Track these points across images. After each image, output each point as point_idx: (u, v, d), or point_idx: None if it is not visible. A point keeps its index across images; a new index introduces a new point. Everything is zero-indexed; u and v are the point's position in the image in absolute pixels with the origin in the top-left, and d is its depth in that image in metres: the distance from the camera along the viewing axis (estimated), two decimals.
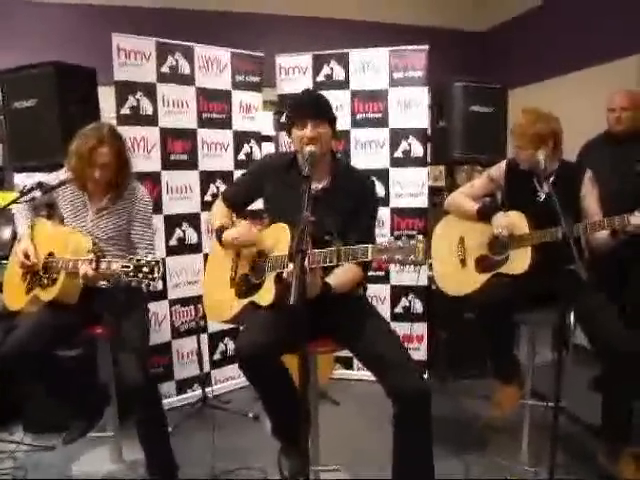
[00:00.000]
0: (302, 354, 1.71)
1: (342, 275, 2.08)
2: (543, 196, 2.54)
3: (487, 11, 6.31)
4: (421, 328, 3.85)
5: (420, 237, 1.75)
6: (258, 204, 2.43)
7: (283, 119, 3.91)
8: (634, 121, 3.39)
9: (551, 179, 2.53)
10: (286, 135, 3.72)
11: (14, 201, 2.52)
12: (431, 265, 2.90)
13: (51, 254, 2.46)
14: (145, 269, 2.04)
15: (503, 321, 2.57)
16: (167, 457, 2.48)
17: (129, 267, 2.05)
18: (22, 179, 3.57)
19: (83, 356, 3.02)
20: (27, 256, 2.46)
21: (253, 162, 3.71)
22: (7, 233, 3.61)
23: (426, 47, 3.72)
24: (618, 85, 3.67)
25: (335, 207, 2.13)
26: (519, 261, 2.51)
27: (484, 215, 2.68)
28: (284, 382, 2.07)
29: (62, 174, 2.53)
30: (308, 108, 2.16)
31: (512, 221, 2.56)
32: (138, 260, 2.05)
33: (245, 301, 2.19)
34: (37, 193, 2.50)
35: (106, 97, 3.41)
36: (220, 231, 2.31)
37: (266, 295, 2.10)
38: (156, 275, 2.04)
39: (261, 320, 2.07)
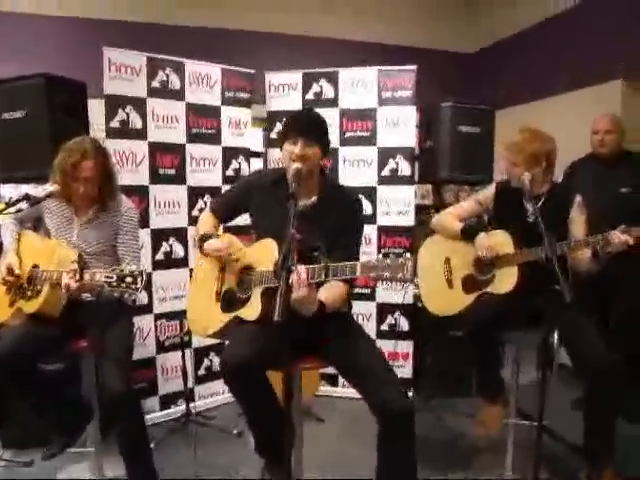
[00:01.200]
0: (286, 370, 1.71)
1: (331, 292, 2.08)
2: (532, 216, 2.55)
3: (475, 33, 6.42)
4: (407, 346, 3.86)
5: (408, 255, 1.77)
6: (246, 219, 2.43)
7: (273, 135, 3.94)
8: (617, 144, 3.46)
9: (541, 200, 2.57)
10: (277, 149, 3.79)
11: (0, 212, 2.51)
12: (417, 283, 2.91)
13: (36, 266, 2.44)
14: (128, 279, 2.04)
15: (489, 340, 2.58)
16: (148, 471, 2.45)
17: (112, 277, 2.05)
18: (9, 190, 3.56)
19: (66, 370, 2.99)
20: (11, 272, 2.44)
21: (242, 176, 3.73)
22: None
23: (415, 67, 3.76)
24: (602, 108, 3.75)
25: (322, 224, 2.14)
26: (505, 280, 2.53)
27: (468, 235, 2.70)
28: (268, 397, 2.06)
29: (49, 186, 2.50)
30: (303, 126, 2.17)
31: (497, 240, 2.58)
32: (121, 270, 2.05)
33: (230, 315, 2.18)
34: (24, 205, 2.49)
35: (96, 110, 3.41)
36: (203, 239, 2.31)
37: (251, 310, 2.10)
38: (139, 285, 2.04)
39: (247, 334, 2.06)
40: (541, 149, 2.58)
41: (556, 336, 2.52)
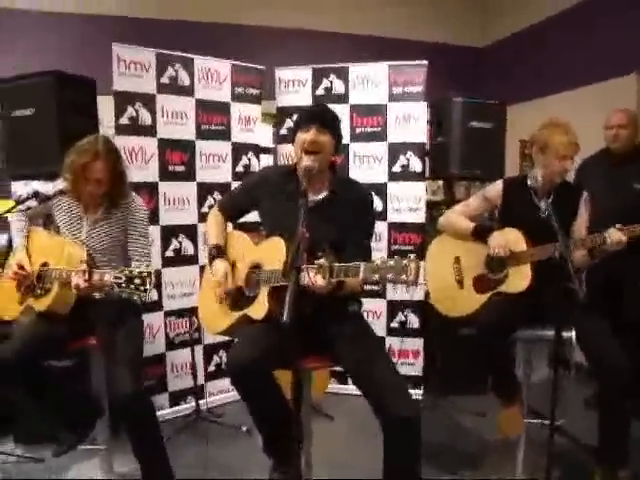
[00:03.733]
0: (295, 370, 1.70)
1: None
2: (547, 212, 2.49)
3: (487, 27, 6.36)
4: (417, 343, 3.84)
5: (413, 257, 1.73)
6: (256, 216, 2.42)
7: (283, 131, 3.93)
8: (631, 139, 3.40)
9: (551, 197, 2.53)
10: (286, 144, 3.77)
11: (10, 210, 2.51)
12: (426, 282, 2.88)
13: (45, 264, 2.45)
14: (137, 280, 2.03)
15: (503, 340, 2.54)
16: (164, 468, 2.44)
17: (121, 278, 2.04)
18: (19, 187, 3.56)
19: (76, 367, 2.99)
20: (22, 267, 2.45)
21: (252, 173, 3.72)
22: (2, 240, 3.60)
23: (425, 62, 3.73)
24: (617, 103, 3.69)
25: (332, 219, 2.12)
26: (518, 279, 2.50)
27: (480, 234, 2.66)
28: (275, 397, 2.05)
29: (59, 184, 2.51)
30: (316, 115, 2.18)
31: (509, 239, 2.55)
32: (130, 271, 2.05)
33: (238, 314, 2.18)
34: (33, 202, 2.49)
35: (105, 107, 3.41)
36: (214, 252, 2.32)
37: (259, 309, 2.09)
38: (148, 287, 2.03)
39: (254, 334, 2.06)
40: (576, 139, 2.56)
41: (573, 334, 2.48)
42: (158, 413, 3.07)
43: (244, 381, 1.99)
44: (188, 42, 3.98)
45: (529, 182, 2.58)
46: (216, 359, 3.75)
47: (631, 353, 2.32)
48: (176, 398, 3.58)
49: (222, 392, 3.76)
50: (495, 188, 2.77)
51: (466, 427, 3.36)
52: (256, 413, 2.13)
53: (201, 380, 3.62)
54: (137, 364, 2.44)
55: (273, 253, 2.09)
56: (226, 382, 3.71)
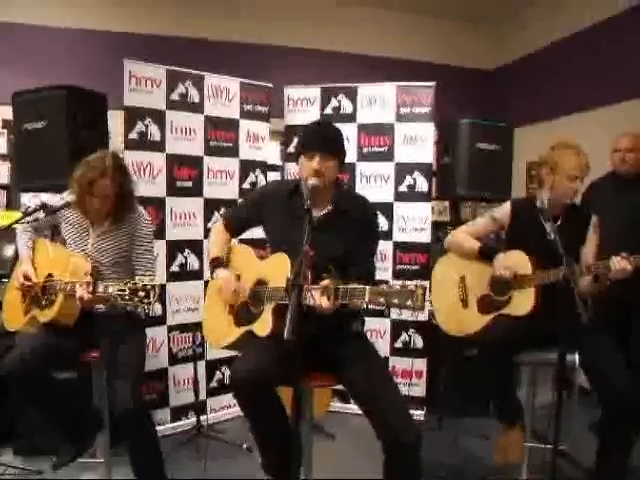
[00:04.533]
0: (296, 388, 1.69)
1: None
2: (553, 235, 2.49)
3: (495, 50, 6.40)
4: (421, 364, 3.81)
5: (420, 283, 1.73)
6: (261, 233, 2.42)
7: (290, 149, 3.95)
8: (638, 162, 3.41)
9: (559, 220, 2.53)
10: (294, 162, 3.78)
11: (17, 221, 2.53)
12: (431, 301, 2.87)
13: (50, 275, 2.46)
14: (141, 293, 2.04)
15: (505, 362, 2.53)
16: None
17: (125, 290, 2.05)
18: (28, 199, 3.60)
19: (77, 380, 2.99)
20: (27, 278, 2.47)
21: (256, 188, 3.74)
22: (10, 252, 3.63)
23: (433, 83, 3.76)
24: (624, 126, 3.69)
25: (336, 233, 2.13)
26: (522, 302, 2.49)
27: (486, 254, 2.65)
28: (276, 414, 2.04)
29: (66, 196, 2.53)
30: (319, 140, 2.16)
31: (514, 261, 2.54)
32: (134, 284, 2.05)
33: (243, 330, 2.18)
34: (40, 214, 2.52)
35: (115, 121, 3.45)
36: (214, 264, 2.33)
37: (263, 326, 2.09)
38: (151, 300, 2.04)
39: (258, 349, 2.06)
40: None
41: (576, 358, 2.46)
42: (159, 428, 3.07)
43: (246, 395, 1.99)
44: (199, 59, 4.02)
45: (538, 204, 2.58)
46: (218, 375, 3.73)
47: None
48: (177, 413, 3.56)
49: (223, 408, 3.74)
50: (504, 209, 2.77)
51: (469, 450, 3.32)
52: (256, 428, 2.12)
53: (203, 396, 3.60)
54: (138, 379, 2.45)
55: (278, 270, 2.09)
56: (228, 398, 3.70)
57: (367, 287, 1.81)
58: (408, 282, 1.73)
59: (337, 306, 1.90)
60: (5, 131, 4.70)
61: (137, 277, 2.16)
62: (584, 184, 3.49)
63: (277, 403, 2.05)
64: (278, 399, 2.05)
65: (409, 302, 1.70)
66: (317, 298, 1.86)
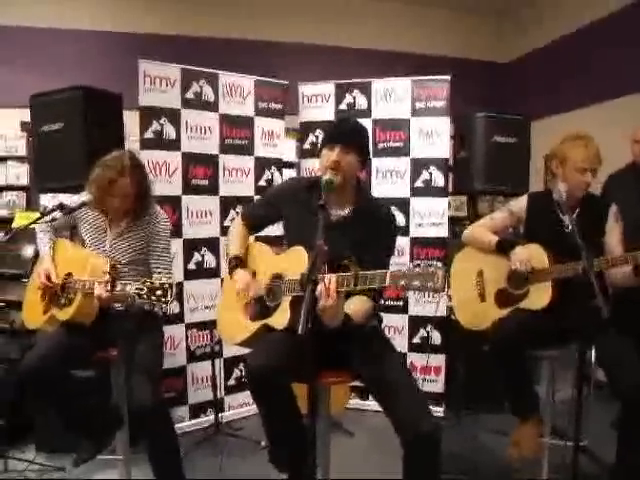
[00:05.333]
0: (311, 384, 1.69)
1: (358, 306, 2.04)
2: (570, 227, 2.44)
3: (510, 43, 6.34)
4: (439, 360, 3.79)
5: (439, 264, 1.72)
6: (276, 230, 2.42)
7: (306, 146, 3.95)
8: None
9: (576, 211, 2.49)
10: (309, 159, 3.79)
11: (35, 221, 2.57)
12: (450, 295, 2.85)
13: (69, 274, 2.48)
14: (158, 292, 2.05)
15: (519, 356, 2.50)
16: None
17: (142, 289, 2.06)
18: (47, 199, 3.64)
19: (96, 378, 3.03)
20: (49, 277, 2.49)
21: (272, 185, 3.74)
22: (29, 252, 3.69)
23: (448, 77, 3.73)
24: None
25: (353, 236, 2.11)
26: (539, 296, 2.46)
27: (504, 248, 2.63)
28: (290, 408, 2.04)
29: (84, 196, 2.55)
30: (342, 133, 2.17)
31: (531, 255, 2.51)
32: (152, 282, 2.07)
33: (259, 323, 2.18)
34: (58, 214, 2.54)
35: (131, 121, 3.48)
36: (234, 262, 2.32)
37: (281, 318, 2.08)
38: (169, 298, 2.05)
39: (276, 341, 2.05)
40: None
41: (594, 354, 2.42)
42: (178, 425, 3.09)
43: (262, 385, 1.98)
44: (213, 58, 4.04)
45: (554, 196, 2.54)
46: (236, 372, 3.75)
47: None
48: (196, 410, 3.59)
49: (242, 406, 3.76)
50: (520, 202, 2.75)
51: (488, 446, 3.30)
52: (267, 420, 2.12)
53: (221, 393, 3.62)
54: (156, 376, 2.46)
55: (295, 263, 2.09)
56: (246, 396, 3.71)
57: (387, 271, 1.79)
58: (428, 262, 1.71)
59: (341, 318, 1.89)
60: (25, 134, 4.77)
61: (154, 276, 2.17)
62: (603, 174, 3.47)
63: (291, 398, 2.05)
64: (292, 394, 2.05)
65: (430, 283, 1.68)
66: (326, 282, 1.82)
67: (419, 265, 1.72)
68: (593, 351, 2.41)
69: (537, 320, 2.41)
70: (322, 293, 1.79)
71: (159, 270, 2.53)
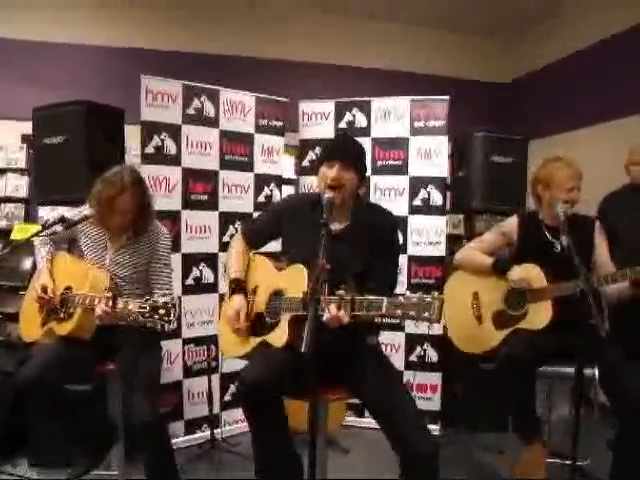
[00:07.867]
0: (312, 402, 1.69)
1: None
2: (559, 247, 2.49)
3: (509, 63, 6.41)
4: (435, 378, 3.79)
5: (437, 294, 1.73)
6: (276, 247, 2.43)
7: (305, 163, 3.97)
8: None
9: (564, 232, 2.52)
10: (308, 176, 3.80)
11: (36, 234, 2.56)
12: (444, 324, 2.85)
13: (69, 288, 2.48)
14: (161, 311, 2.05)
15: (527, 377, 2.49)
16: None
17: (145, 308, 2.06)
18: (46, 212, 3.64)
19: (93, 392, 3.00)
20: (45, 291, 2.48)
21: (272, 201, 3.75)
22: (28, 264, 3.67)
23: (447, 97, 3.76)
24: (637, 139, 3.67)
25: (355, 248, 2.12)
26: (539, 315, 2.47)
27: (500, 269, 2.64)
28: (279, 424, 2.05)
29: (85, 209, 2.55)
30: (340, 150, 2.18)
31: (530, 274, 2.52)
32: (155, 301, 2.06)
33: (258, 340, 2.18)
34: (59, 227, 2.54)
35: (132, 136, 3.50)
36: (235, 285, 2.32)
37: (279, 337, 2.09)
38: (172, 318, 2.05)
39: (271, 357, 2.06)
40: None
41: (596, 372, 2.43)
42: (173, 441, 3.05)
43: (253, 399, 1.98)
44: (214, 74, 4.07)
45: (540, 217, 2.58)
46: (233, 388, 3.72)
47: None
48: (191, 426, 3.56)
49: (237, 422, 3.72)
50: (510, 223, 2.78)
51: (485, 464, 3.28)
52: (256, 434, 2.11)
53: (217, 409, 3.60)
54: (154, 392, 2.45)
55: (295, 281, 2.10)
56: (242, 412, 3.68)
57: (384, 299, 1.80)
58: (425, 295, 1.73)
59: (349, 320, 1.89)
60: (25, 145, 4.80)
61: (155, 293, 2.16)
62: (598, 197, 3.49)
63: (282, 414, 2.05)
64: (283, 410, 2.05)
65: (426, 314, 1.69)
66: (332, 310, 1.85)
67: (416, 295, 1.73)
68: (596, 370, 2.41)
69: (542, 339, 2.42)
70: (330, 320, 1.83)
71: (158, 286, 2.54)
